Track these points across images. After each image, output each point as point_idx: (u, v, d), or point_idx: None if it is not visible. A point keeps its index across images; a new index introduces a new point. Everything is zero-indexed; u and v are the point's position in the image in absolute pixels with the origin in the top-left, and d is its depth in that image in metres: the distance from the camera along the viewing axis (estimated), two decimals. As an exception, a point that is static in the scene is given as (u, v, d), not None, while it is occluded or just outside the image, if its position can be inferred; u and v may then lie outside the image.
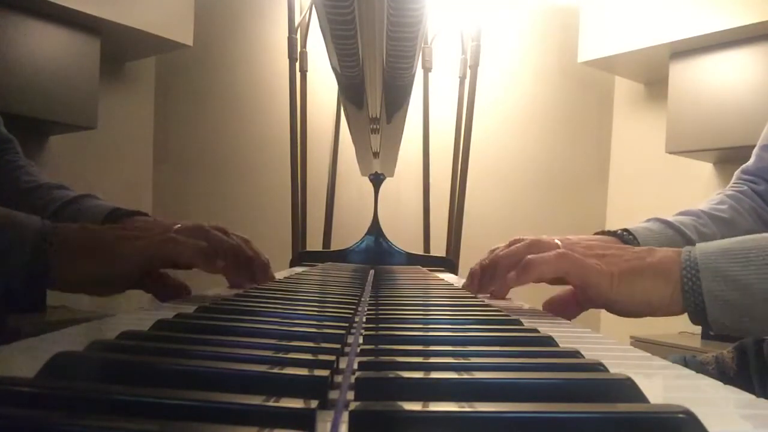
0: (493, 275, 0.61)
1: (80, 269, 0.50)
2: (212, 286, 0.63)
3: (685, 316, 0.50)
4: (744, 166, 0.82)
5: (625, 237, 0.70)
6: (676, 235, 0.71)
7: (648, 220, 0.74)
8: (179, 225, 0.56)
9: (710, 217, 0.74)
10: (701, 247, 0.50)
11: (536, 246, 0.56)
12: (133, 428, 0.17)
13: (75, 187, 0.78)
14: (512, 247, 0.59)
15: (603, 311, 0.54)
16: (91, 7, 1.54)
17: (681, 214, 0.75)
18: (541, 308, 0.59)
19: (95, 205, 0.73)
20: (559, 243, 0.55)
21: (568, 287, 0.58)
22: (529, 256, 0.54)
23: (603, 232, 0.72)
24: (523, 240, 0.61)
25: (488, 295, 0.65)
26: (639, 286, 0.50)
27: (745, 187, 0.79)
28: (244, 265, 0.61)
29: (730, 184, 0.82)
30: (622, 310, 0.52)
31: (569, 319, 0.56)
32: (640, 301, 0.50)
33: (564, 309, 0.57)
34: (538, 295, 0.60)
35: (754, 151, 0.81)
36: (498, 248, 0.67)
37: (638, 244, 0.68)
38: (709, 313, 0.47)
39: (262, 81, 2.11)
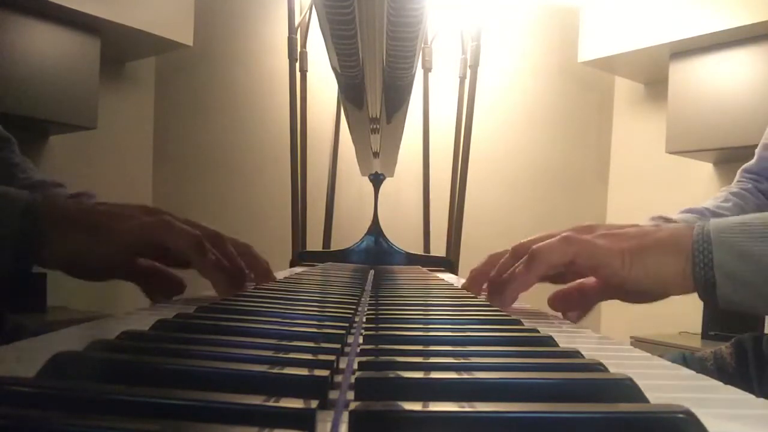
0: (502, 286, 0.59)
1: (69, 244, 0.48)
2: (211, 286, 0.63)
3: (686, 316, 0.50)
4: (746, 165, 0.82)
5: None
6: None
7: (652, 218, 0.74)
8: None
9: (714, 215, 0.74)
10: (716, 221, 0.48)
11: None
12: (133, 428, 0.17)
13: (75, 187, 0.78)
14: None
15: (603, 311, 0.53)
16: (91, 7, 1.54)
17: (685, 212, 0.75)
18: (540, 310, 0.59)
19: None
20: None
21: (574, 282, 0.57)
22: (534, 246, 0.51)
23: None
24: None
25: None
26: (650, 261, 0.48)
27: (750, 185, 0.79)
28: (233, 270, 0.57)
29: (735, 182, 0.82)
30: (635, 290, 0.50)
31: (576, 312, 0.55)
32: (654, 277, 0.48)
33: (570, 304, 0.55)
34: (540, 296, 0.59)
35: (757, 150, 0.82)
36: (498, 253, 0.66)
37: None
38: (719, 288, 0.45)
39: (262, 81, 2.11)
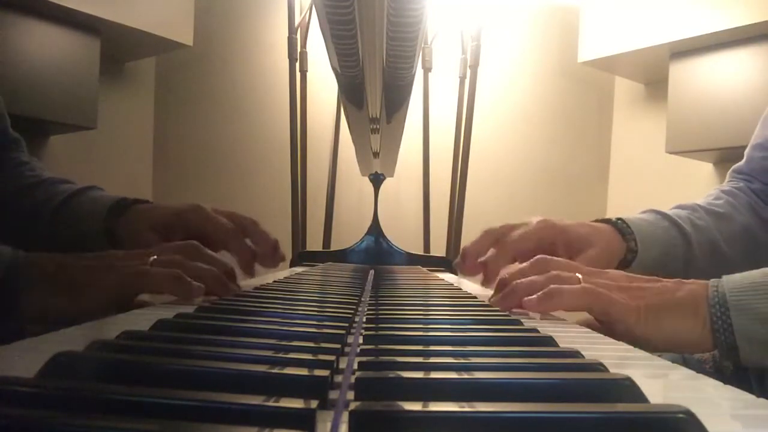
0: (507, 296, 0.57)
1: (50, 304, 0.48)
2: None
3: None
4: (736, 165, 0.83)
5: (619, 225, 0.71)
6: (672, 226, 0.72)
7: (644, 212, 0.75)
8: (154, 257, 0.52)
9: (706, 211, 0.75)
10: (729, 281, 0.48)
11: (558, 278, 0.54)
12: (133, 428, 0.17)
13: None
14: (531, 278, 0.55)
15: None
16: (91, 7, 1.54)
17: (677, 207, 0.76)
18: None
19: (99, 197, 0.73)
20: (580, 277, 0.53)
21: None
22: (552, 286, 0.52)
23: (599, 220, 0.74)
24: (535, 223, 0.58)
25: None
26: (666, 322, 0.49)
27: (742, 184, 0.80)
28: (222, 287, 0.55)
29: (725, 182, 0.83)
30: (649, 346, 0.50)
31: None
32: (668, 338, 0.49)
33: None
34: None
35: (746, 151, 0.82)
36: (493, 229, 0.68)
37: (632, 233, 0.70)
38: (741, 352, 0.46)
39: (262, 81, 2.10)
